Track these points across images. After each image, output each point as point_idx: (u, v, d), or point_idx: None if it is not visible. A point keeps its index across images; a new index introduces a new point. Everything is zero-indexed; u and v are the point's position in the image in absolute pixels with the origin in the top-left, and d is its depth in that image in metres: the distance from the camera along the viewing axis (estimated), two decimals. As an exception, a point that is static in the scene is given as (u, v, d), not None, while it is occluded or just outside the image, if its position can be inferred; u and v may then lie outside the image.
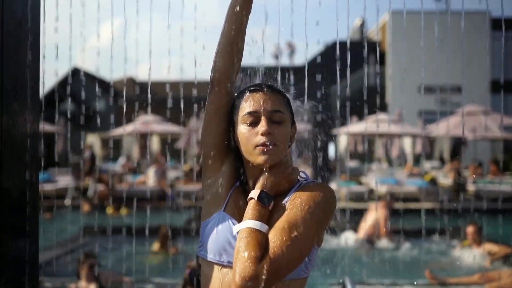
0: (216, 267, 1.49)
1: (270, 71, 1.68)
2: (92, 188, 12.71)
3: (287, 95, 1.60)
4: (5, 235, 1.88)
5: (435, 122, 16.95)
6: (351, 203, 11.92)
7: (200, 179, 1.64)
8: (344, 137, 17.30)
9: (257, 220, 1.39)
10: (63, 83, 21.42)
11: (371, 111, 15.51)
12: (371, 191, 13.26)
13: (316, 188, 1.46)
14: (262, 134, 1.46)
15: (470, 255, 7.14)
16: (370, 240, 8.15)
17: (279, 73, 1.72)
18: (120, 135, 17.17)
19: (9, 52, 1.89)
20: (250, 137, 1.48)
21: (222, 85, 1.56)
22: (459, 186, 12.59)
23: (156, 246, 7.53)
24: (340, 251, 7.68)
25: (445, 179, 14.34)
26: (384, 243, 8.18)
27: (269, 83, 1.61)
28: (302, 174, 1.56)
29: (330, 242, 7.71)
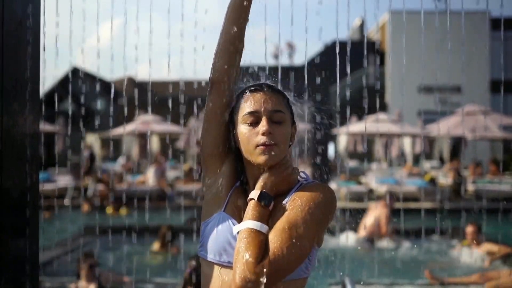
0: (216, 267, 1.49)
1: (263, 70, 1.67)
2: (92, 188, 12.71)
3: (287, 95, 1.60)
4: (5, 235, 1.88)
5: (434, 122, 16.96)
6: (351, 203, 11.92)
7: (200, 179, 1.64)
8: (344, 137, 17.30)
9: (257, 220, 1.39)
10: (63, 83, 21.42)
11: (371, 111, 15.53)
12: (370, 191, 13.26)
13: (316, 188, 1.46)
14: (263, 134, 1.46)
15: (470, 255, 7.14)
16: (371, 239, 8.15)
17: (279, 73, 1.72)
18: (120, 135, 17.17)
19: (9, 52, 1.89)
20: (250, 137, 1.48)
21: (222, 85, 1.56)
22: (458, 186, 12.60)
23: (156, 246, 7.53)
24: (340, 251, 7.68)
25: (445, 179, 14.35)
26: (385, 242, 8.18)
27: (269, 83, 1.61)
28: (302, 174, 1.56)
29: (330, 242, 7.71)
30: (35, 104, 2.02)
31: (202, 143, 1.60)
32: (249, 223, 1.39)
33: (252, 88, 1.54)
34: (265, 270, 1.29)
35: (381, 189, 12.53)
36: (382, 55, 25.85)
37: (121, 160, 17.93)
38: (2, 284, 1.84)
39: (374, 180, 13.97)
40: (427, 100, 22.61)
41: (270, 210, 1.44)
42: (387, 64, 25.59)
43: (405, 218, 8.99)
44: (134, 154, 17.36)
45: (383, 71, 26.45)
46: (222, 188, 1.56)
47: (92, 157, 16.45)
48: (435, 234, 8.73)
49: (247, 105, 1.51)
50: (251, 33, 1.60)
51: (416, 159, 19.17)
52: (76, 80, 21.45)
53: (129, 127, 15.43)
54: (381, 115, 15.77)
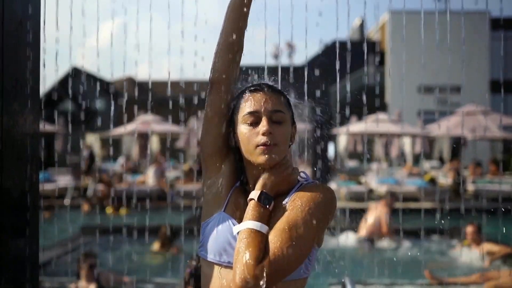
0: (216, 268, 1.49)
1: (260, 70, 1.67)
2: (92, 188, 12.71)
3: (287, 94, 1.60)
4: (5, 235, 1.88)
5: (434, 122, 16.96)
6: (351, 202, 11.93)
7: (201, 179, 1.64)
8: (344, 136, 17.31)
9: (257, 221, 1.39)
10: (63, 83, 21.41)
11: (371, 111, 15.53)
12: (370, 191, 13.26)
13: (317, 188, 1.46)
14: (263, 134, 1.46)
15: (470, 255, 7.14)
16: (371, 239, 8.15)
17: (279, 73, 1.72)
18: (120, 135, 17.18)
19: (10, 52, 1.89)
20: (251, 137, 1.48)
21: (222, 85, 1.56)
22: (458, 186, 12.60)
23: (156, 246, 7.53)
24: (340, 251, 7.68)
25: (445, 179, 14.35)
26: (385, 242, 8.17)
27: (269, 82, 1.61)
28: (302, 175, 1.56)
29: (330, 242, 7.71)
30: (35, 104, 2.02)
31: (202, 143, 1.60)
32: (249, 223, 1.39)
33: (252, 88, 1.54)
34: (265, 270, 1.29)
35: (381, 189, 12.53)
36: (382, 55, 25.84)
37: (121, 160, 17.93)
38: (2, 284, 1.84)
39: (374, 180, 13.98)
40: (427, 100, 22.63)
41: (270, 211, 1.44)
42: (387, 64, 25.59)
43: (405, 218, 8.99)
44: (134, 154, 17.37)
45: (383, 71, 26.45)
46: (222, 188, 1.56)
47: (91, 157, 16.44)
48: (435, 234, 8.73)
49: (247, 105, 1.51)
50: (251, 33, 1.60)
51: (416, 159, 19.17)
52: (76, 80, 21.46)
53: (129, 127, 15.44)
54: (381, 115, 15.77)
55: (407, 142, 18.29)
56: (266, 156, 1.45)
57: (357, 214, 8.95)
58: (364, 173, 15.88)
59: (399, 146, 17.16)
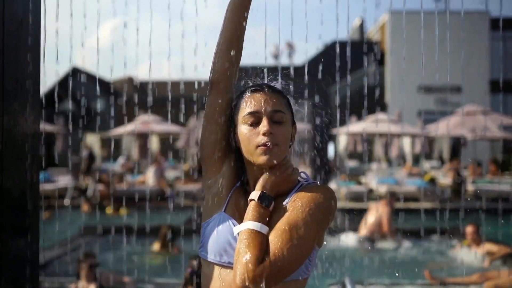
0: (216, 268, 1.49)
1: (258, 71, 1.67)
2: (92, 188, 12.71)
3: (287, 95, 1.60)
4: (6, 235, 1.88)
5: (434, 122, 16.96)
6: (351, 202, 11.93)
7: (201, 178, 1.65)
8: (344, 137, 17.30)
9: (258, 221, 1.39)
10: (63, 83, 21.39)
11: (371, 111, 15.52)
12: (370, 191, 13.26)
13: (317, 189, 1.46)
14: (264, 134, 1.46)
15: (470, 255, 7.14)
16: (372, 239, 8.14)
17: (279, 73, 1.73)
18: (120, 135, 17.17)
19: (10, 52, 1.89)
20: (251, 137, 1.48)
21: (222, 86, 1.56)
22: (458, 186, 12.60)
23: (156, 246, 7.53)
24: (340, 251, 7.68)
25: (445, 179, 14.34)
26: (385, 242, 8.17)
27: (269, 83, 1.61)
28: (302, 175, 1.56)
29: (330, 242, 7.71)
30: (36, 104, 2.02)
31: (202, 143, 1.60)
32: (249, 224, 1.39)
33: (252, 88, 1.54)
34: (265, 271, 1.29)
35: (381, 189, 12.53)
36: (382, 55, 25.84)
37: (121, 160, 17.93)
38: (2, 284, 1.84)
39: (374, 180, 13.98)
40: (427, 100, 22.61)
41: (270, 211, 1.44)
42: (386, 64, 25.59)
43: (405, 218, 8.99)
44: (134, 154, 17.35)
45: (382, 71, 26.45)
46: (222, 188, 1.56)
47: (91, 157, 16.43)
48: (435, 234, 8.73)
49: (248, 105, 1.51)
50: (251, 33, 1.61)
51: (416, 159, 19.17)
52: (76, 80, 21.45)
53: (129, 127, 15.43)
54: (381, 115, 15.77)
55: (407, 142, 18.28)
56: (267, 156, 1.45)
57: (357, 214, 8.94)
58: (364, 173, 15.88)
59: (399, 146, 17.16)
